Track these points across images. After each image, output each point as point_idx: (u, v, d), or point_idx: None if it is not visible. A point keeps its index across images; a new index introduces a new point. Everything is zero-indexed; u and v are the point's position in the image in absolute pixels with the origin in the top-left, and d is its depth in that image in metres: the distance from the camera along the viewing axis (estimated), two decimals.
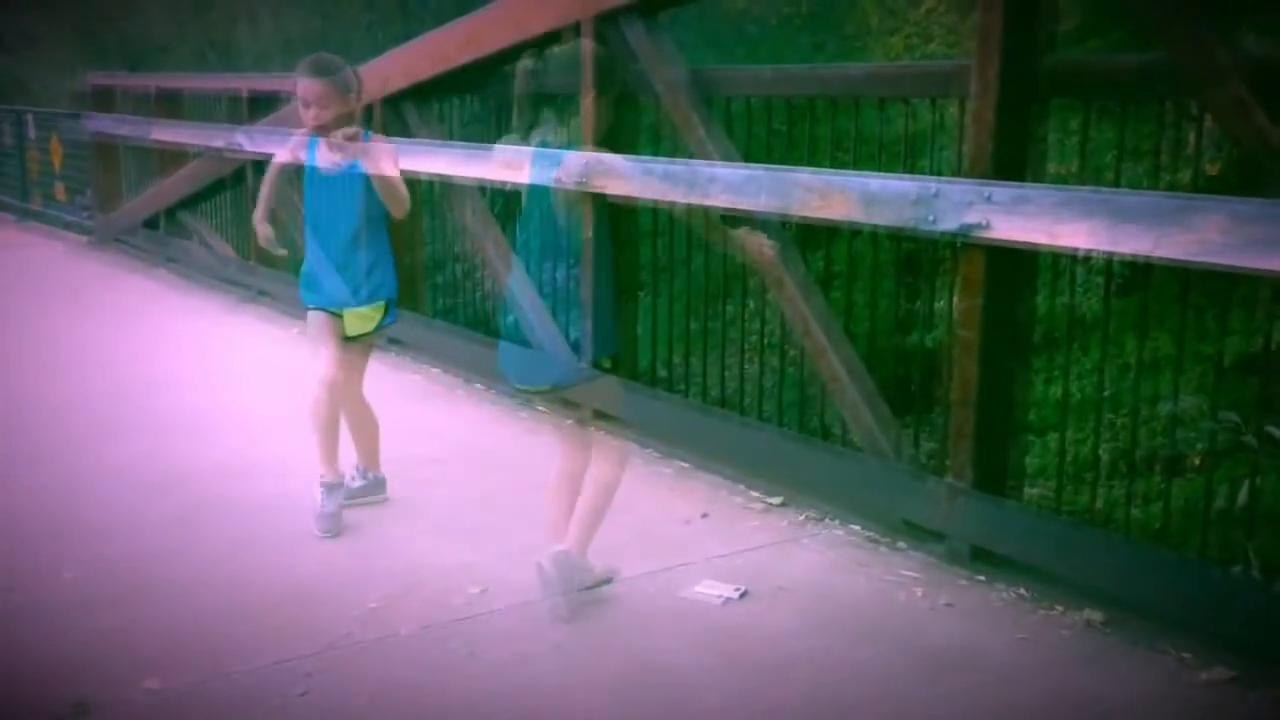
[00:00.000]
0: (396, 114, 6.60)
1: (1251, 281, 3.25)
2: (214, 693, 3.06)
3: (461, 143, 6.24)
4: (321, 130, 4.09)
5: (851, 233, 4.41)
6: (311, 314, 4.30)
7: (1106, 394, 4.17)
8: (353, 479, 4.37)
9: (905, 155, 4.24)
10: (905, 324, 4.92)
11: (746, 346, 5.23)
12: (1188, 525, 3.62)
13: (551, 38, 5.51)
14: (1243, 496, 3.58)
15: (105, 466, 4.83)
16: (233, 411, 5.61)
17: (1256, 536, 3.46)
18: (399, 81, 6.55)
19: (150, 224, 10.05)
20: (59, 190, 12.24)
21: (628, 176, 3.33)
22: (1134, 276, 4.10)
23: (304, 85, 4.10)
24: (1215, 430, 3.79)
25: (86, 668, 3.19)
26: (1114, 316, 4.12)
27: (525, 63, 3.48)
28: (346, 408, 4.31)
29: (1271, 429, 3.67)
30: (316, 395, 4.18)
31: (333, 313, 4.26)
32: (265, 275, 8.13)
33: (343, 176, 4.19)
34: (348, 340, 4.28)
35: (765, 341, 4.79)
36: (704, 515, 4.29)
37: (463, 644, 3.31)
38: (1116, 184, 3.67)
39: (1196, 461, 4.02)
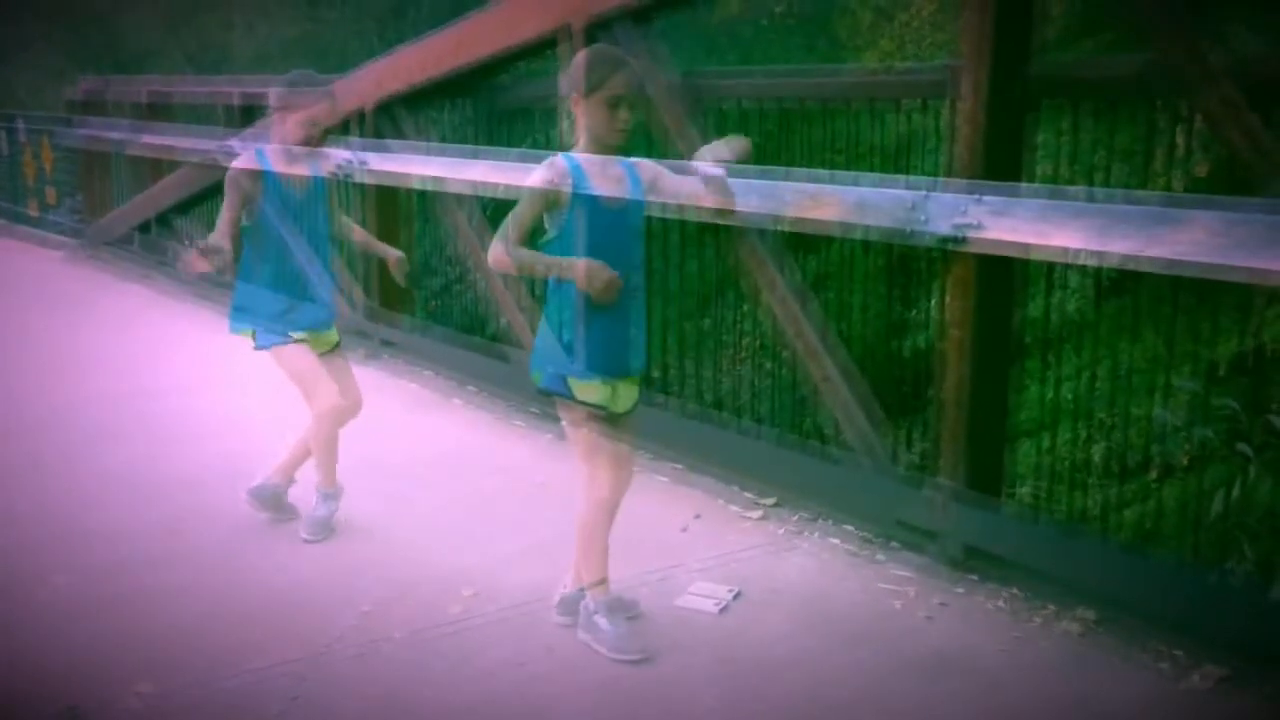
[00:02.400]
0: (390, 118, 6.60)
1: (1241, 285, 3.26)
2: (207, 698, 3.05)
3: (458, 146, 6.26)
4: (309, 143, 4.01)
5: (843, 236, 4.41)
6: (296, 350, 4.06)
7: (1098, 395, 4.19)
8: (275, 483, 4.24)
9: (896, 158, 4.26)
10: (897, 327, 4.94)
11: (738, 350, 5.23)
12: (1182, 527, 3.63)
13: (544, 42, 5.53)
14: (1219, 503, 3.58)
15: (100, 472, 4.82)
16: (227, 417, 5.60)
17: (1245, 539, 3.47)
18: (392, 85, 6.55)
19: (143, 229, 10.04)
20: (50, 195, 12.23)
21: (620, 180, 3.26)
22: (1124, 279, 4.11)
23: (323, 108, 4.00)
24: (1206, 436, 3.80)
25: (78, 673, 3.18)
26: (1106, 319, 4.13)
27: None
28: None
29: (1272, 417, 3.67)
30: (322, 429, 4.10)
31: (303, 339, 4.09)
32: None
33: (314, 192, 4.08)
34: (326, 354, 4.17)
35: (759, 344, 4.80)
36: (697, 516, 4.29)
37: (456, 648, 3.30)
38: (1107, 185, 3.68)
39: (1185, 461, 4.02)
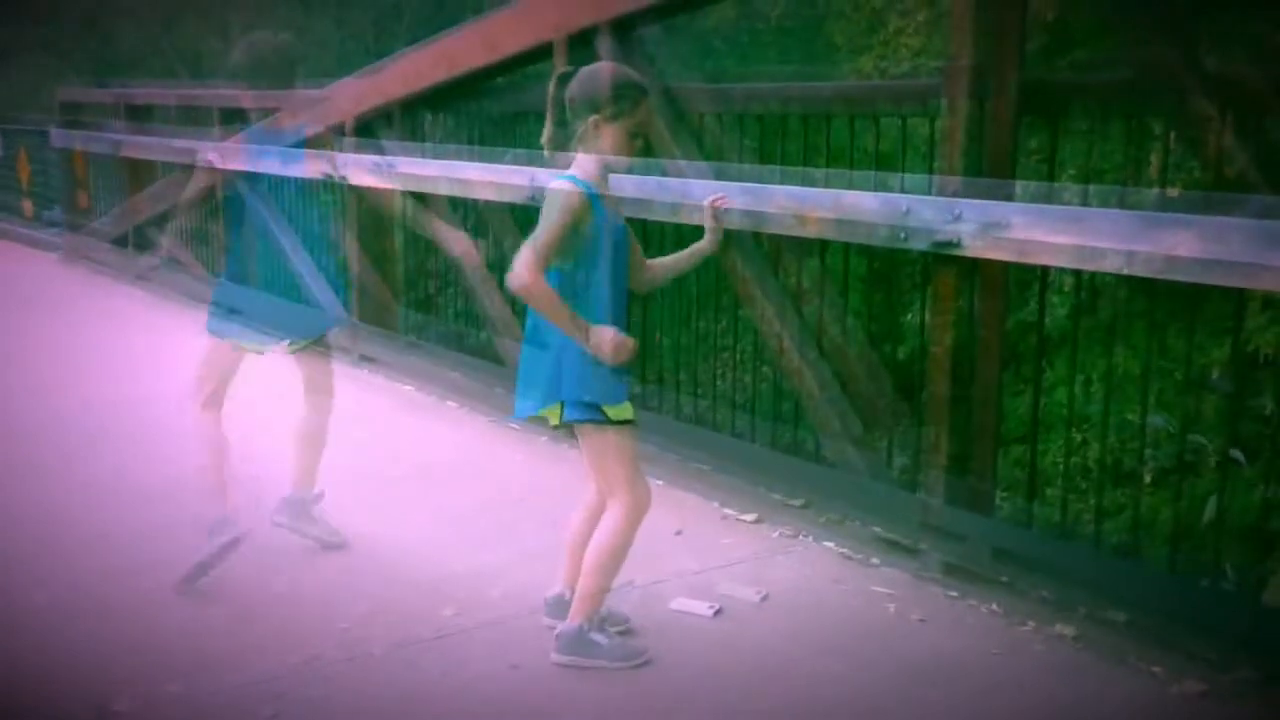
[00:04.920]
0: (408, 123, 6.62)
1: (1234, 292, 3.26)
2: (185, 713, 3.01)
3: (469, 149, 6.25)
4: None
5: (834, 247, 4.41)
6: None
7: (1093, 400, 4.19)
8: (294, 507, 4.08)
9: (894, 169, 4.24)
10: (882, 338, 4.94)
11: (728, 361, 5.22)
12: (1176, 537, 3.63)
13: (526, 57, 5.54)
14: (1210, 510, 3.59)
15: (92, 477, 4.78)
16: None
17: (1239, 544, 3.48)
18: (393, 92, 6.55)
19: (138, 231, 10.02)
20: (48, 198, 12.20)
21: (619, 202, 3.22)
22: (1118, 283, 4.11)
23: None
24: (1202, 446, 3.81)
25: (58, 684, 3.13)
26: (1099, 325, 4.14)
27: (557, 72, 3.23)
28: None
29: (1235, 453, 3.68)
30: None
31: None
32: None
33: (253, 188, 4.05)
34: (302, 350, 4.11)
35: (754, 355, 4.80)
36: (721, 517, 4.29)
37: (439, 661, 3.27)
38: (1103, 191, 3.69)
39: (1172, 469, 4.04)
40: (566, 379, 3.10)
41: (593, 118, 3.07)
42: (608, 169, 3.13)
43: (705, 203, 3.65)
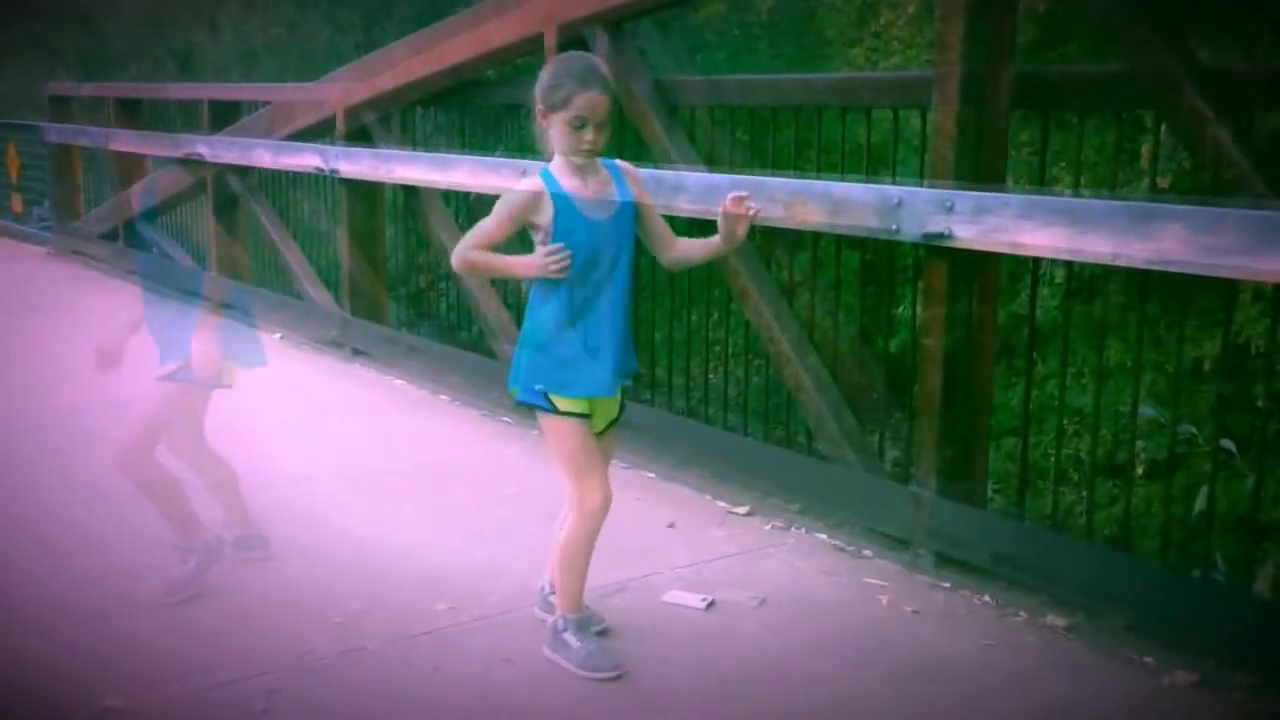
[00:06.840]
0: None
1: (1224, 284, 3.28)
2: (178, 710, 3.00)
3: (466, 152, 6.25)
4: None
5: (826, 240, 4.43)
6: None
7: (1084, 392, 4.21)
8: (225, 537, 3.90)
9: (891, 162, 4.26)
10: (874, 331, 4.95)
11: (721, 354, 5.24)
12: (1168, 528, 3.65)
13: (515, 50, 5.53)
14: (1201, 501, 3.60)
15: (91, 479, 4.75)
16: (212, 425, 5.55)
17: (1229, 536, 3.49)
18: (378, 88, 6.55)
19: (128, 225, 10.00)
20: (25, 199, 12.18)
21: (604, 187, 3.17)
22: (1110, 278, 4.13)
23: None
24: (1193, 435, 3.82)
25: (49, 686, 3.12)
26: (1091, 319, 4.15)
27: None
28: (196, 459, 3.96)
29: (1226, 443, 3.69)
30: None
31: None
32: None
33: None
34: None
35: (746, 348, 4.80)
36: (713, 510, 4.28)
37: (433, 655, 3.27)
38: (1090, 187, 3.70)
39: (1165, 460, 4.05)
40: (520, 361, 3.14)
41: (539, 108, 3.04)
42: (568, 160, 3.05)
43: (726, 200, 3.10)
